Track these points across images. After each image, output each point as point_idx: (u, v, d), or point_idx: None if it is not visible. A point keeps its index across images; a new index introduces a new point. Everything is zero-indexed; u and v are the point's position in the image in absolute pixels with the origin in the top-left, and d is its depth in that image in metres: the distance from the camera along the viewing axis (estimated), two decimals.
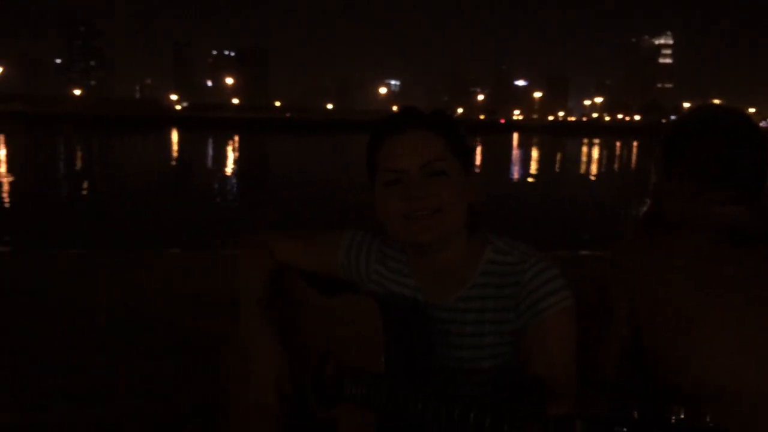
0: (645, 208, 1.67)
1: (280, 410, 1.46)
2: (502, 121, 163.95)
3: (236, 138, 58.35)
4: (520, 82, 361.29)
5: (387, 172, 1.37)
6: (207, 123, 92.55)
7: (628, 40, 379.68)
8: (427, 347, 1.39)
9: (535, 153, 50.28)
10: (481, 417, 1.06)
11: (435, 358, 1.39)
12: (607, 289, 1.55)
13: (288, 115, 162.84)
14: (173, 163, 32.40)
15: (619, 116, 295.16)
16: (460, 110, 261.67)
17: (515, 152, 48.84)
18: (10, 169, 24.90)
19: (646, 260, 1.49)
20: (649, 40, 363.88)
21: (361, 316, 1.34)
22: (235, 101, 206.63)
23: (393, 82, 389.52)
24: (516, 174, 29.09)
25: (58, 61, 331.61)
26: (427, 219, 1.33)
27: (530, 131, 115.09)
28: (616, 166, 40.02)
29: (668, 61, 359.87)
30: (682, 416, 0.89)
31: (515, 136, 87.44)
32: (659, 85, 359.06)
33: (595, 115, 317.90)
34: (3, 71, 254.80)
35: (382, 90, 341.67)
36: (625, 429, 0.89)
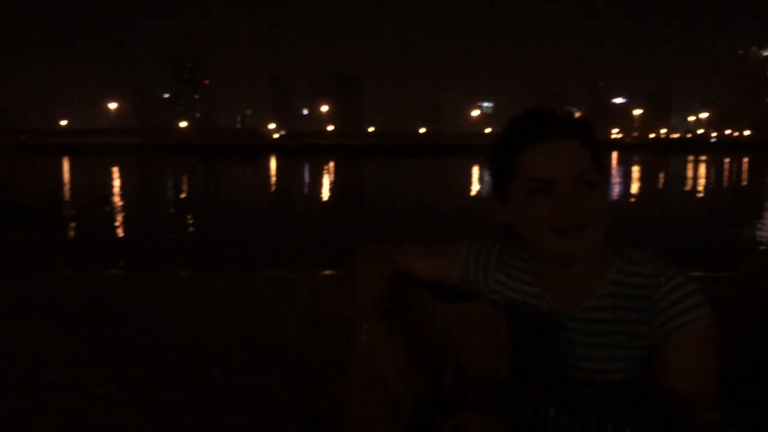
0: None
1: (400, 419, 1.44)
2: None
3: (331, 164, 59.65)
4: (618, 100, 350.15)
5: (534, 181, 1.29)
6: (303, 150, 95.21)
7: (735, 52, 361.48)
8: (554, 357, 1.32)
9: (636, 171, 48.45)
10: (621, 428, 0.99)
11: (562, 369, 1.33)
12: None
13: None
14: (273, 187, 33.47)
15: (728, 132, 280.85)
16: None
17: (614, 170, 47.21)
18: (128, 197, 26.46)
19: None
20: (757, 52, 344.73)
21: (485, 324, 1.30)
22: (330, 128, 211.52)
23: (486, 104, 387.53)
24: (615, 193, 28.09)
25: (166, 95, 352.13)
26: (577, 236, 1.27)
27: (629, 149, 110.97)
28: (725, 183, 37.89)
29: None
30: None
31: (614, 154, 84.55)
32: None
33: (700, 131, 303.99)
34: (117, 107, 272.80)
35: (475, 113, 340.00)
36: None
